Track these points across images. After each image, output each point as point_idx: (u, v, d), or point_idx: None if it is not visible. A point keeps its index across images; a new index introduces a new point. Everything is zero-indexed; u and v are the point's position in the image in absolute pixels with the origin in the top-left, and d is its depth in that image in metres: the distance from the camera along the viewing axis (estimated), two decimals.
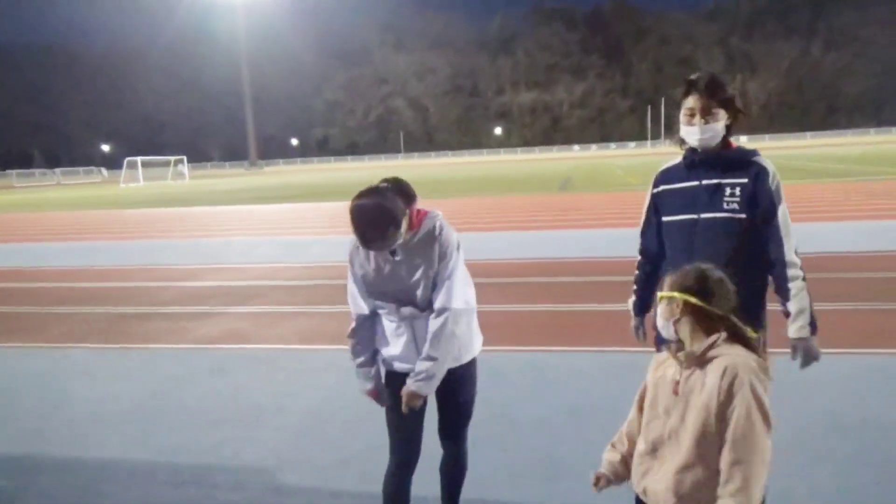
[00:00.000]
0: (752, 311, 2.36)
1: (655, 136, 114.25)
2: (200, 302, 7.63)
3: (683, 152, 2.51)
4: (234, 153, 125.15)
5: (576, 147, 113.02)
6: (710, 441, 1.70)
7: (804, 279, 2.39)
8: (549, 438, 3.66)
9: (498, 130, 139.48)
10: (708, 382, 1.71)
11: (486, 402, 4.18)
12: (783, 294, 2.40)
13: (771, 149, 59.81)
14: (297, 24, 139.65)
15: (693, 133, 2.38)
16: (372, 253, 2.44)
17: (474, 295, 2.60)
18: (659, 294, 1.85)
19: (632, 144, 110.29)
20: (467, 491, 2.85)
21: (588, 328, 5.78)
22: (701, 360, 1.75)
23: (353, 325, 2.54)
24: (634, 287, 2.77)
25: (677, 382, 1.79)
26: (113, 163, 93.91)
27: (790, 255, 2.37)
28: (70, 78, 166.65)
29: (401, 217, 2.31)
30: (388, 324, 2.52)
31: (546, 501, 3.02)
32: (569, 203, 18.11)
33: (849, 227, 11.00)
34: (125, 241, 14.19)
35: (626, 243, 7.52)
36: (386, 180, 2.43)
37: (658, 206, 2.57)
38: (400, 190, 2.40)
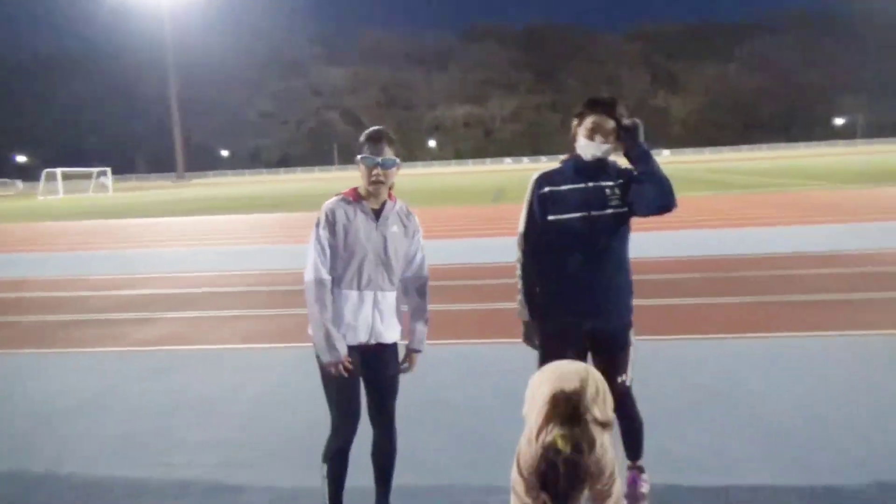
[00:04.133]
0: (628, 301, 2.86)
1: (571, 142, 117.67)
2: (138, 309, 7.71)
3: (562, 160, 2.91)
4: (160, 164, 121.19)
5: (508, 160, 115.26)
6: None
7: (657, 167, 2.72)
8: (480, 419, 4.09)
9: (432, 143, 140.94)
10: None
11: (422, 389, 4.61)
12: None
13: (692, 162, 62.86)
14: (226, 33, 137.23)
15: (593, 149, 2.73)
16: (358, 221, 2.65)
17: None
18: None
19: (562, 157, 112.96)
20: (404, 464, 3.23)
21: (513, 323, 6.27)
22: None
23: (315, 291, 2.60)
24: (524, 288, 2.93)
25: None
26: (29, 174, 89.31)
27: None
28: None
29: (398, 146, 2.71)
30: (348, 296, 2.65)
31: (475, 471, 3.42)
32: (501, 213, 18.78)
33: (742, 233, 12.04)
34: (50, 253, 13.87)
35: None
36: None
37: (544, 206, 2.83)
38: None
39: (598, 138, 2.72)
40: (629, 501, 2.91)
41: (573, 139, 2.83)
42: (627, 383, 2.86)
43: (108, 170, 59.76)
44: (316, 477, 3.43)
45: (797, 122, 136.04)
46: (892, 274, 7.93)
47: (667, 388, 4.41)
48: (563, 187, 2.83)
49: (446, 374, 4.93)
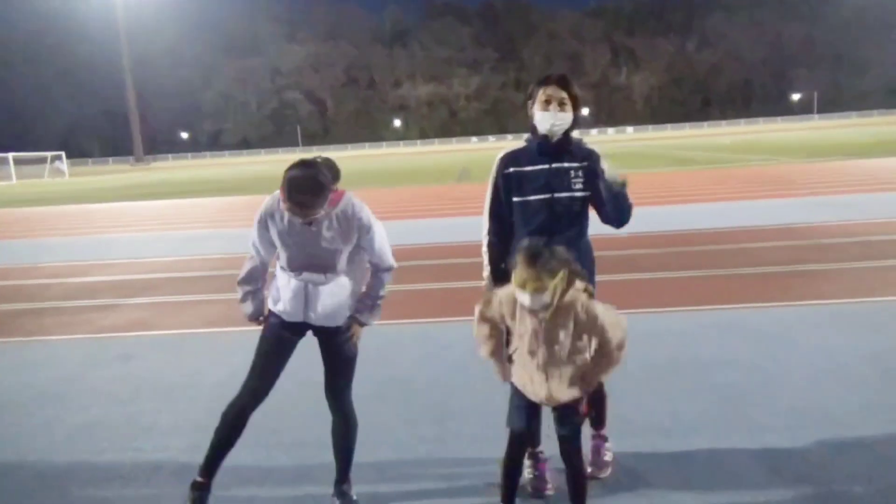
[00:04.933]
0: (591, 269, 2.94)
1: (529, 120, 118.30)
2: (96, 296, 7.58)
3: (527, 138, 2.96)
4: (116, 148, 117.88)
5: (474, 139, 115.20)
6: None
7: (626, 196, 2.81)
8: (444, 395, 4.17)
9: (397, 123, 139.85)
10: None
11: (387, 367, 4.66)
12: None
13: (654, 139, 63.72)
14: (180, 13, 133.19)
15: (548, 119, 2.77)
16: (291, 223, 2.67)
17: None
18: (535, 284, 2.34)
19: (527, 135, 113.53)
20: (371, 440, 3.29)
21: (475, 302, 6.36)
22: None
23: (244, 273, 2.94)
24: (491, 266, 2.98)
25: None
26: None
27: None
28: None
29: (329, 192, 2.60)
30: (285, 280, 2.80)
31: (441, 445, 3.50)
32: (466, 192, 18.83)
33: (701, 208, 12.33)
34: (5, 241, 13.47)
35: None
36: (318, 158, 2.75)
37: (508, 186, 2.89)
38: (329, 167, 2.71)
39: (553, 107, 2.77)
40: (593, 469, 3.02)
41: (531, 118, 2.87)
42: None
43: (63, 154, 58.02)
44: (281, 457, 3.47)
45: (755, 98, 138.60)
46: (842, 245, 8.23)
47: (628, 361, 4.53)
48: (527, 168, 2.87)
49: (410, 352, 5.00)
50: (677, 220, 10.73)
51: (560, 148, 2.85)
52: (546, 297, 2.37)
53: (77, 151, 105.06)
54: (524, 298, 2.40)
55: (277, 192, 2.69)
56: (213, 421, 3.89)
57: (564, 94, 2.78)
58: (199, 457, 3.44)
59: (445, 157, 51.76)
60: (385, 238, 2.91)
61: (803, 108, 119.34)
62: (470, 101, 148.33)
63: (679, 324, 5.35)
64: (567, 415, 2.57)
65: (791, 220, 10.28)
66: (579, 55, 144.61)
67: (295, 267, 2.77)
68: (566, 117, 2.80)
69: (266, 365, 2.89)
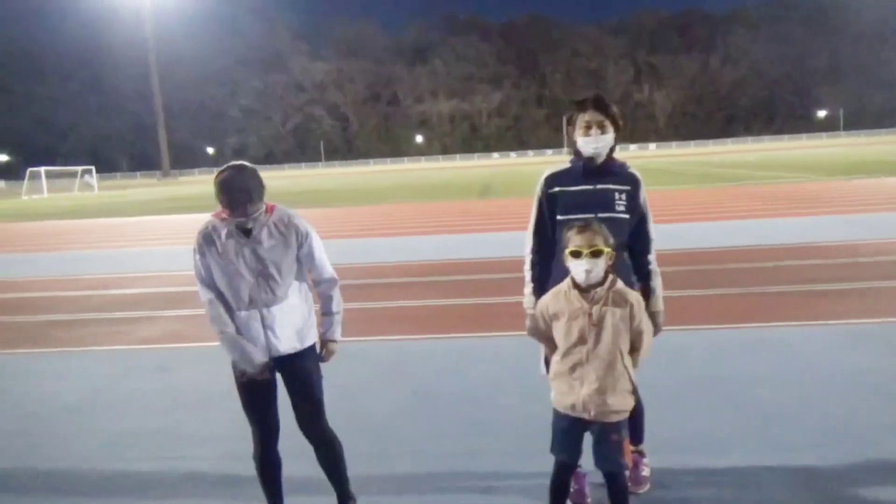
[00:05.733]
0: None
1: (571, 144, 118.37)
2: (131, 308, 7.75)
3: (572, 159, 3.00)
4: (144, 162, 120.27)
5: (495, 155, 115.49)
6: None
7: (657, 268, 3.03)
8: (475, 408, 4.19)
9: (419, 138, 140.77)
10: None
11: (416, 380, 4.71)
12: (645, 276, 2.99)
13: (677, 156, 63.40)
14: (206, 30, 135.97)
15: (590, 143, 2.85)
16: (228, 242, 2.61)
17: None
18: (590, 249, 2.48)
19: (549, 152, 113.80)
20: (404, 453, 3.31)
21: (505, 317, 6.40)
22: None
23: (209, 311, 2.67)
24: (534, 283, 3.04)
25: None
26: (11, 173, 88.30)
27: (652, 249, 3.01)
28: None
29: (262, 187, 2.61)
30: (237, 317, 2.66)
31: (475, 458, 3.52)
32: (490, 208, 18.89)
33: (729, 225, 12.24)
34: (38, 253, 13.80)
35: None
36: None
37: (552, 204, 2.94)
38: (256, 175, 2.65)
39: (594, 132, 2.84)
40: (631, 484, 3.03)
41: (573, 142, 2.93)
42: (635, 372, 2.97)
43: (93, 168, 59.21)
44: (314, 467, 3.54)
45: (779, 115, 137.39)
46: (873, 264, 8.14)
47: (659, 376, 4.54)
48: (572, 188, 2.92)
49: (438, 366, 5.05)
50: (704, 237, 10.67)
51: (604, 170, 2.91)
52: (602, 263, 2.48)
53: (105, 165, 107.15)
54: (580, 267, 2.48)
55: (209, 217, 2.72)
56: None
57: (603, 117, 2.84)
58: (238, 466, 3.52)
59: (467, 172, 51.97)
60: (323, 248, 2.84)
61: (828, 125, 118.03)
62: (491, 117, 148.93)
63: (708, 341, 5.34)
64: (606, 448, 2.55)
65: (820, 238, 10.18)
66: (601, 72, 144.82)
67: (241, 298, 2.64)
68: (608, 139, 2.87)
69: (257, 415, 2.85)
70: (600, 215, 2.83)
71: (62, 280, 10.08)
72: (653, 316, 2.93)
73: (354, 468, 3.41)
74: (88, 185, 56.94)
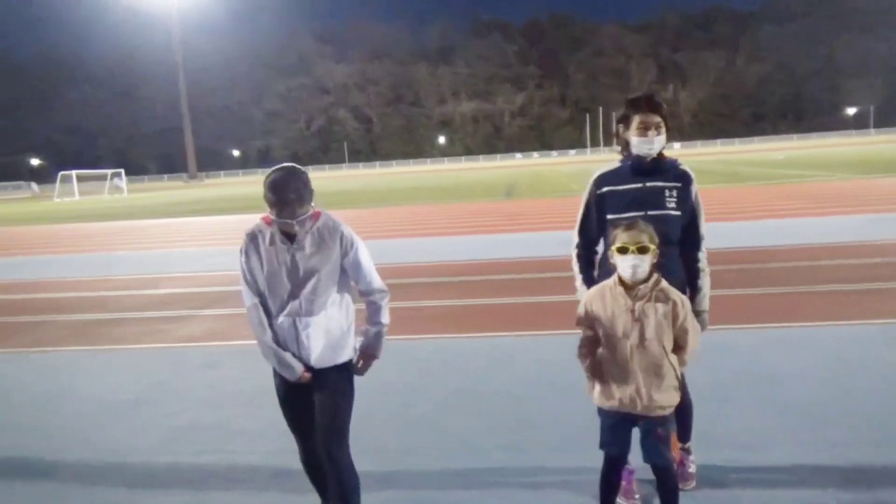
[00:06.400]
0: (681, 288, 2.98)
1: (595, 144, 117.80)
2: (169, 307, 7.94)
3: (621, 158, 3.04)
4: (171, 165, 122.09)
5: (518, 155, 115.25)
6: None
7: (707, 267, 3.07)
8: (517, 405, 4.27)
9: (441, 139, 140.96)
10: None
11: (456, 377, 4.80)
12: (693, 275, 3.04)
13: (702, 155, 62.70)
14: (232, 36, 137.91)
15: (646, 144, 2.88)
16: (271, 247, 2.58)
17: None
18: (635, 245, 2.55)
19: (572, 152, 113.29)
20: (451, 448, 3.38)
21: (539, 316, 6.46)
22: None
23: (250, 315, 2.64)
24: (582, 275, 3.10)
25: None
26: (43, 177, 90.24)
27: (702, 247, 3.05)
28: None
29: (312, 191, 2.55)
30: (277, 324, 2.61)
31: (519, 453, 3.60)
32: (514, 209, 18.92)
33: (763, 225, 12.14)
34: (76, 255, 14.15)
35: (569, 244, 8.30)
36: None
37: (602, 204, 2.99)
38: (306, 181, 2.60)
39: (651, 133, 2.88)
40: (679, 481, 3.07)
41: (625, 142, 2.97)
42: (682, 370, 3.01)
43: (122, 171, 60.31)
44: (365, 462, 3.65)
45: (808, 112, 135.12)
46: None
47: (703, 374, 4.56)
48: (621, 187, 2.96)
49: (477, 364, 5.13)
50: (736, 236, 10.60)
51: (654, 167, 2.94)
52: (648, 260, 2.53)
53: (134, 169, 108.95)
54: (626, 263, 2.54)
55: (257, 220, 2.68)
56: None
57: (659, 119, 2.88)
58: (290, 460, 3.62)
59: (490, 173, 51.98)
60: (370, 258, 2.74)
61: (859, 123, 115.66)
62: (514, 118, 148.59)
63: (748, 339, 5.35)
64: (652, 442, 2.61)
65: (856, 237, 10.06)
66: (625, 71, 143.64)
67: (279, 304, 2.60)
68: (663, 140, 2.92)
69: (298, 426, 2.79)
70: (650, 213, 2.87)
71: (99, 280, 10.35)
72: (697, 315, 2.95)
73: (402, 462, 3.53)
74: (118, 188, 58.01)
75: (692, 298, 2.96)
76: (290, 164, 2.61)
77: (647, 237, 2.55)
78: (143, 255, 13.50)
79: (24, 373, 5.64)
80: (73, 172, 52.39)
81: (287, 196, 2.48)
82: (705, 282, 3.06)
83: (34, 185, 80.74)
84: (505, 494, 3.21)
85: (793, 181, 22.63)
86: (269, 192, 2.50)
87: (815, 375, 4.45)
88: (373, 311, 2.77)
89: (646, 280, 2.58)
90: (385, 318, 2.79)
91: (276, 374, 2.70)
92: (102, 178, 59.16)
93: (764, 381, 4.39)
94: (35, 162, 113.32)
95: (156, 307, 8.01)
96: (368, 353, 2.77)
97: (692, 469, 3.16)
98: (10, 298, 9.27)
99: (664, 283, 2.61)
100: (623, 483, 3.02)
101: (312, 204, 2.58)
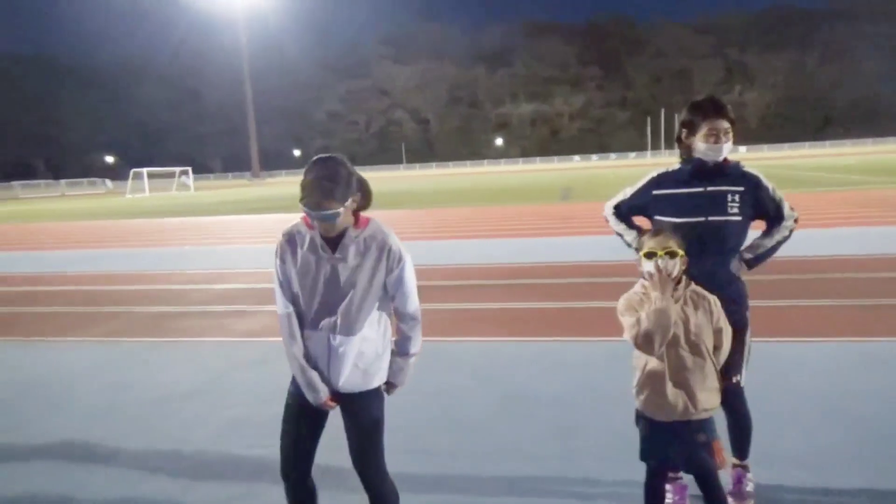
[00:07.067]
0: (742, 307, 2.88)
1: (655, 147, 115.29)
2: (230, 302, 8.17)
3: (681, 161, 2.93)
4: (235, 164, 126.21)
5: (576, 158, 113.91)
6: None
7: (788, 235, 2.92)
8: (568, 412, 4.21)
9: (499, 141, 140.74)
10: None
11: (507, 383, 4.77)
12: (773, 232, 2.91)
13: (769, 159, 60.53)
14: (296, 37, 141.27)
15: (718, 151, 2.75)
16: (309, 253, 2.36)
17: None
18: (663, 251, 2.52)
19: (632, 155, 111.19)
20: (504, 454, 3.34)
21: (592, 322, 6.35)
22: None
23: (282, 325, 2.43)
24: (623, 224, 3.14)
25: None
26: (115, 173, 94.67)
27: (789, 218, 2.91)
28: (70, 88, 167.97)
29: (353, 190, 2.27)
30: (307, 336, 2.41)
31: (570, 462, 3.55)
32: (570, 211, 18.69)
33: (838, 233, 11.60)
34: (146, 249, 14.73)
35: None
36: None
37: (657, 206, 2.90)
38: (364, 185, 2.38)
39: (720, 140, 2.76)
40: (734, 500, 2.97)
41: (687, 147, 2.86)
42: (742, 383, 2.89)
43: (189, 169, 62.54)
44: (412, 464, 3.64)
45: (882, 115, 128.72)
46: None
47: (766, 389, 4.40)
48: (681, 190, 2.86)
49: (530, 369, 5.08)
50: (807, 244, 10.16)
51: (717, 171, 2.82)
52: (677, 265, 2.52)
53: (199, 167, 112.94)
54: (655, 267, 2.52)
55: (297, 219, 2.48)
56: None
57: (727, 124, 2.76)
58: (341, 458, 3.65)
59: (547, 175, 51.52)
60: (414, 277, 2.47)
61: None
62: (572, 120, 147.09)
63: (818, 353, 5.10)
64: (693, 449, 2.54)
65: None
66: (688, 72, 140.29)
67: (312, 317, 2.37)
68: (730, 145, 2.80)
69: (295, 442, 2.57)
70: (711, 219, 2.78)
71: (167, 274, 10.74)
72: (740, 255, 2.89)
73: (451, 466, 3.52)
74: (185, 185, 60.19)
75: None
76: (330, 154, 2.34)
77: (675, 243, 2.54)
78: (208, 250, 13.94)
79: (95, 361, 5.90)
80: (145, 170, 54.64)
81: (318, 183, 2.19)
82: (776, 237, 2.92)
83: (108, 182, 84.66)
84: (554, 502, 3.17)
85: (865, 188, 21.57)
86: (305, 173, 2.24)
87: (892, 394, 4.22)
88: (403, 338, 2.53)
89: (676, 284, 2.57)
90: (415, 347, 2.54)
91: (294, 382, 2.48)
92: (171, 175, 61.50)
93: (833, 398, 4.19)
94: (109, 159, 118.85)
95: (218, 302, 8.25)
96: (392, 382, 2.55)
97: (750, 488, 3.04)
98: (86, 289, 9.72)
99: (694, 285, 2.61)
100: (676, 498, 2.93)
101: (347, 204, 2.27)
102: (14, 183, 77.59)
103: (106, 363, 5.82)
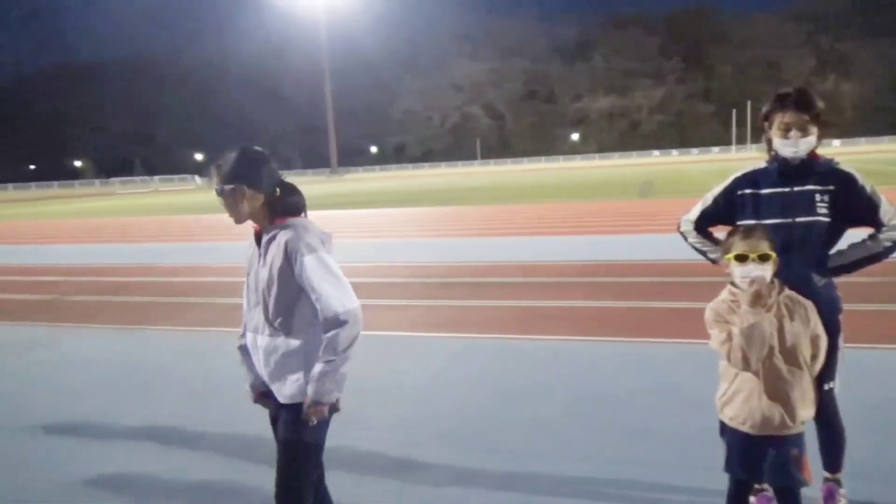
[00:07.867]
0: (834, 313, 2.68)
1: (741, 141, 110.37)
2: None
3: (768, 158, 2.74)
4: (314, 160, 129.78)
5: (656, 152, 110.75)
6: None
7: (883, 251, 2.64)
8: (643, 414, 4.09)
9: (574, 136, 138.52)
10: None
11: (580, 383, 4.68)
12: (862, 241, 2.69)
13: (868, 153, 56.90)
14: (373, 36, 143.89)
15: (789, 146, 2.58)
16: (251, 248, 2.39)
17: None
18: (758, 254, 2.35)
19: (715, 150, 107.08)
20: (576, 457, 3.28)
21: (668, 322, 6.13)
22: None
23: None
24: (707, 239, 2.92)
25: None
26: (204, 170, 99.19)
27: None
28: (162, 90, 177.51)
29: (251, 179, 2.24)
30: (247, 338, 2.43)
31: (644, 467, 3.43)
32: (649, 208, 18.16)
33: None
34: (229, 243, 15.34)
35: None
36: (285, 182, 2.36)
37: (742, 207, 2.73)
38: (291, 189, 2.36)
39: (795, 134, 2.58)
40: None
41: (769, 142, 2.70)
42: (836, 390, 2.73)
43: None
44: (481, 461, 3.61)
45: None
46: None
47: (860, 400, 4.12)
48: (766, 191, 2.70)
49: (600, 369, 4.97)
50: None
51: (804, 169, 2.64)
52: (770, 269, 2.34)
53: (281, 163, 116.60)
54: (745, 273, 2.35)
55: None
56: (422, 421, 4.18)
57: (806, 117, 2.56)
58: (412, 453, 3.71)
59: (626, 170, 50.31)
60: (330, 274, 2.24)
61: None
62: (652, 114, 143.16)
63: None
64: (782, 463, 2.38)
65: None
66: (777, 62, 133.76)
67: (247, 315, 2.39)
68: (810, 142, 2.60)
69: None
70: (798, 220, 2.61)
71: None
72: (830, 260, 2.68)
73: (522, 465, 3.47)
74: None
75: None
76: (251, 146, 2.34)
77: (768, 244, 2.35)
78: None
79: (178, 349, 6.19)
80: None
81: (221, 159, 2.28)
82: (871, 250, 2.66)
83: (197, 178, 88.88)
84: None
85: None
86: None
87: None
88: (325, 344, 2.21)
89: (771, 284, 2.38)
90: (328, 353, 2.19)
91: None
92: None
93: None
94: (199, 157, 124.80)
95: None
96: (312, 397, 2.19)
97: (843, 503, 2.85)
98: (174, 281, 10.23)
99: (788, 290, 2.42)
100: None
101: (255, 191, 2.26)
102: (114, 179, 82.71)
103: (186, 352, 6.10)
